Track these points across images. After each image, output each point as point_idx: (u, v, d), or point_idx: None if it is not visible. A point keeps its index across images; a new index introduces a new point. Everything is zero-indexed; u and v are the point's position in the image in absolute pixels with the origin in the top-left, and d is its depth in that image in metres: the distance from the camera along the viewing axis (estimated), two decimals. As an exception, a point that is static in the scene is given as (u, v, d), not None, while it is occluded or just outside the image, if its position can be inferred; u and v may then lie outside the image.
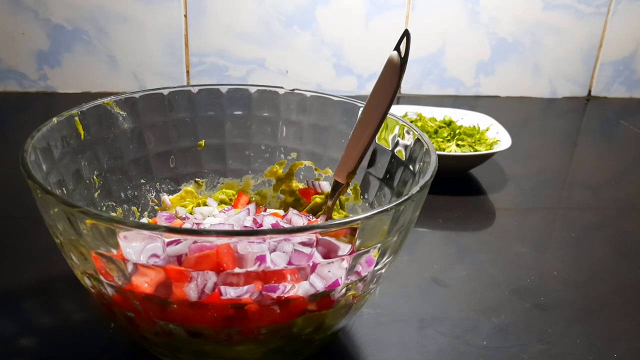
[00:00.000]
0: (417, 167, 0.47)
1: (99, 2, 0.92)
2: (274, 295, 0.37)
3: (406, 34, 0.43)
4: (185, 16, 0.94)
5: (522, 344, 0.49)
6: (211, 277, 0.35)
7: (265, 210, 0.55)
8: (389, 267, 0.42)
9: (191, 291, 0.36)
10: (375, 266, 0.40)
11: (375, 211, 0.36)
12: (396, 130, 0.50)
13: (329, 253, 0.39)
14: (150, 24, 0.94)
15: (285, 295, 0.37)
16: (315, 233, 0.35)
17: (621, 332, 0.51)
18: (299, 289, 0.37)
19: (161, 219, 0.51)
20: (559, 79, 1.08)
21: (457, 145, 0.73)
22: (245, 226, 0.46)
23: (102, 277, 0.37)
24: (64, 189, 0.46)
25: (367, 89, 1.01)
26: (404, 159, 0.50)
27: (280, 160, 0.57)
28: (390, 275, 0.55)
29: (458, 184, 0.77)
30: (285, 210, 0.56)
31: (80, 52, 0.94)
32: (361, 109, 0.49)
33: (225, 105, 0.56)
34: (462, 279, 0.57)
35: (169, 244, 0.35)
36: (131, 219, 0.53)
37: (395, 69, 0.44)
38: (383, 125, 0.47)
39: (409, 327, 0.50)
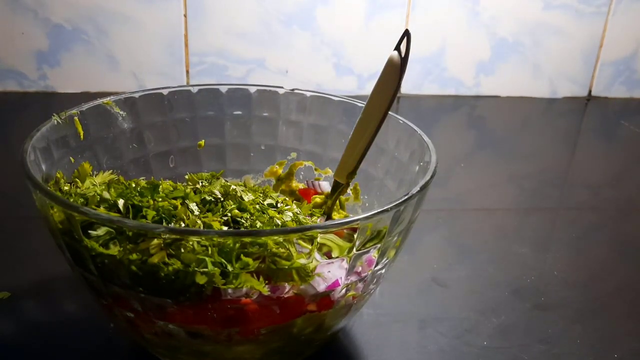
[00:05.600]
0: (417, 167, 0.47)
1: (99, 2, 0.92)
2: (274, 296, 0.37)
3: (406, 34, 0.43)
4: (185, 16, 0.94)
5: (522, 344, 0.49)
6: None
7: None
8: (389, 267, 0.42)
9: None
10: (375, 266, 0.40)
11: (375, 211, 0.36)
12: (397, 130, 0.50)
13: (329, 253, 0.39)
14: (150, 24, 0.94)
15: (285, 296, 0.37)
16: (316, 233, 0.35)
17: (622, 332, 0.51)
18: (299, 290, 0.37)
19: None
20: (559, 79, 1.08)
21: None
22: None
23: (101, 278, 0.37)
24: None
25: (367, 89, 1.01)
26: (404, 159, 0.50)
27: (280, 160, 0.57)
28: (390, 275, 0.55)
29: (458, 183, 0.77)
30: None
31: (79, 52, 0.94)
32: (361, 108, 0.48)
33: (225, 105, 0.56)
34: (462, 279, 0.57)
35: (169, 244, 0.35)
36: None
37: (395, 69, 0.44)
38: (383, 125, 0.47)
39: (409, 327, 0.50)
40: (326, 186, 0.55)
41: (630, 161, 0.88)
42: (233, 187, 0.44)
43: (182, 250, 0.34)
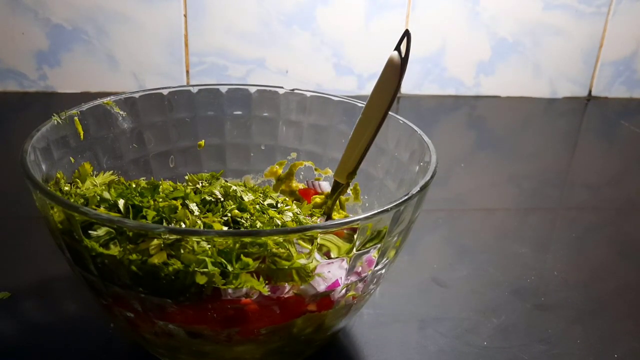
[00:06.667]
0: (417, 167, 0.47)
1: (99, 2, 0.92)
2: (274, 296, 0.37)
3: (407, 34, 0.43)
4: (185, 16, 0.94)
5: (523, 345, 0.49)
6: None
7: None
8: (389, 267, 0.42)
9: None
10: (375, 266, 0.40)
11: (375, 211, 0.36)
12: (397, 130, 0.50)
13: (329, 253, 0.39)
14: (149, 23, 0.94)
15: (285, 296, 0.37)
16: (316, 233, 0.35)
17: (622, 332, 0.51)
18: (299, 290, 0.37)
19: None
20: (560, 79, 1.08)
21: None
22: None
23: (101, 278, 0.37)
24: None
25: (367, 89, 1.01)
26: (404, 159, 0.50)
27: (280, 160, 0.57)
28: (390, 275, 0.55)
29: (458, 183, 0.77)
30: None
31: (79, 52, 0.94)
32: (361, 109, 0.49)
33: (225, 105, 0.56)
34: (462, 279, 0.57)
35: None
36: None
37: (395, 69, 0.44)
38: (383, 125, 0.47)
39: (409, 327, 0.50)
40: (326, 186, 0.55)
41: (630, 161, 0.88)
42: (233, 187, 0.44)
43: (182, 251, 0.34)
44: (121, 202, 0.40)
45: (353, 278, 0.39)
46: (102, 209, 0.40)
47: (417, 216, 0.42)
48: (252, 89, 0.56)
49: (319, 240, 0.37)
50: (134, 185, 0.43)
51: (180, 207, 0.40)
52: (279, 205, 0.45)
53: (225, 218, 0.41)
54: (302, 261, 0.36)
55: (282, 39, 0.97)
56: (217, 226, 0.39)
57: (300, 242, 0.36)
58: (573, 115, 1.04)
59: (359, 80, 1.02)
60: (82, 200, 0.42)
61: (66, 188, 0.44)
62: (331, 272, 0.38)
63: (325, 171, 0.56)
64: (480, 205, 0.72)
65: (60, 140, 0.46)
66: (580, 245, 0.64)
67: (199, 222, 0.39)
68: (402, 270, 0.57)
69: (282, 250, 0.35)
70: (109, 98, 0.51)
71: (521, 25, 1.03)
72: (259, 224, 0.41)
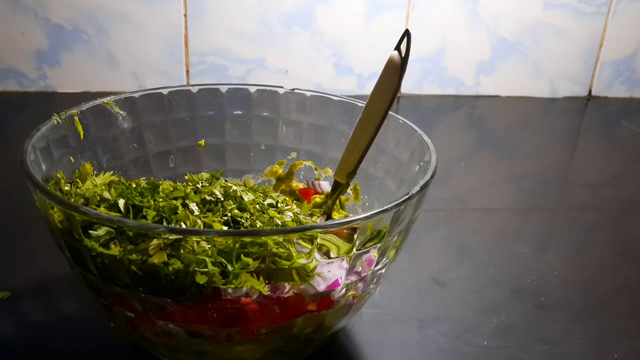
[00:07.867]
0: (417, 166, 0.47)
1: (99, 2, 0.92)
2: (274, 296, 0.37)
3: (407, 33, 0.43)
4: (185, 16, 0.94)
5: (523, 344, 0.49)
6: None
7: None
8: (389, 267, 0.42)
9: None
10: (375, 266, 0.40)
11: (375, 211, 0.36)
12: (397, 130, 0.50)
13: (329, 253, 0.39)
14: (149, 23, 0.94)
15: (285, 296, 0.37)
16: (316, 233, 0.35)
17: (622, 332, 0.51)
18: (299, 289, 0.37)
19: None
20: (560, 79, 1.08)
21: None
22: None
23: (101, 278, 0.37)
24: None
25: (367, 89, 1.01)
26: (404, 159, 0.50)
27: (280, 160, 0.57)
28: (390, 275, 0.55)
29: (458, 183, 0.77)
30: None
31: (79, 52, 0.94)
32: (361, 108, 0.49)
33: (225, 104, 0.56)
34: (462, 279, 0.57)
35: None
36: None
37: (395, 69, 0.44)
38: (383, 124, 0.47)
39: (409, 327, 0.50)
40: (326, 186, 0.55)
41: (630, 161, 0.88)
42: (233, 187, 0.44)
43: (182, 251, 0.34)
44: (121, 202, 0.40)
45: (353, 278, 0.39)
46: (102, 208, 0.40)
47: (417, 216, 0.42)
48: (252, 89, 0.56)
49: (319, 240, 0.37)
50: (134, 185, 0.43)
51: (180, 207, 0.40)
52: (279, 205, 0.45)
53: (225, 218, 0.41)
54: (302, 261, 0.36)
55: (282, 39, 0.97)
56: (217, 226, 0.39)
57: (300, 242, 0.36)
58: (573, 115, 1.04)
59: (359, 80, 1.02)
60: (82, 200, 0.42)
61: (66, 188, 0.44)
62: (331, 272, 0.38)
63: (325, 171, 0.56)
64: (480, 205, 0.72)
65: (60, 140, 0.46)
66: (580, 245, 0.64)
67: (199, 222, 0.39)
68: (402, 270, 0.57)
69: (282, 250, 0.35)
70: (108, 98, 0.51)
71: (521, 25, 1.03)
72: (259, 224, 0.41)
